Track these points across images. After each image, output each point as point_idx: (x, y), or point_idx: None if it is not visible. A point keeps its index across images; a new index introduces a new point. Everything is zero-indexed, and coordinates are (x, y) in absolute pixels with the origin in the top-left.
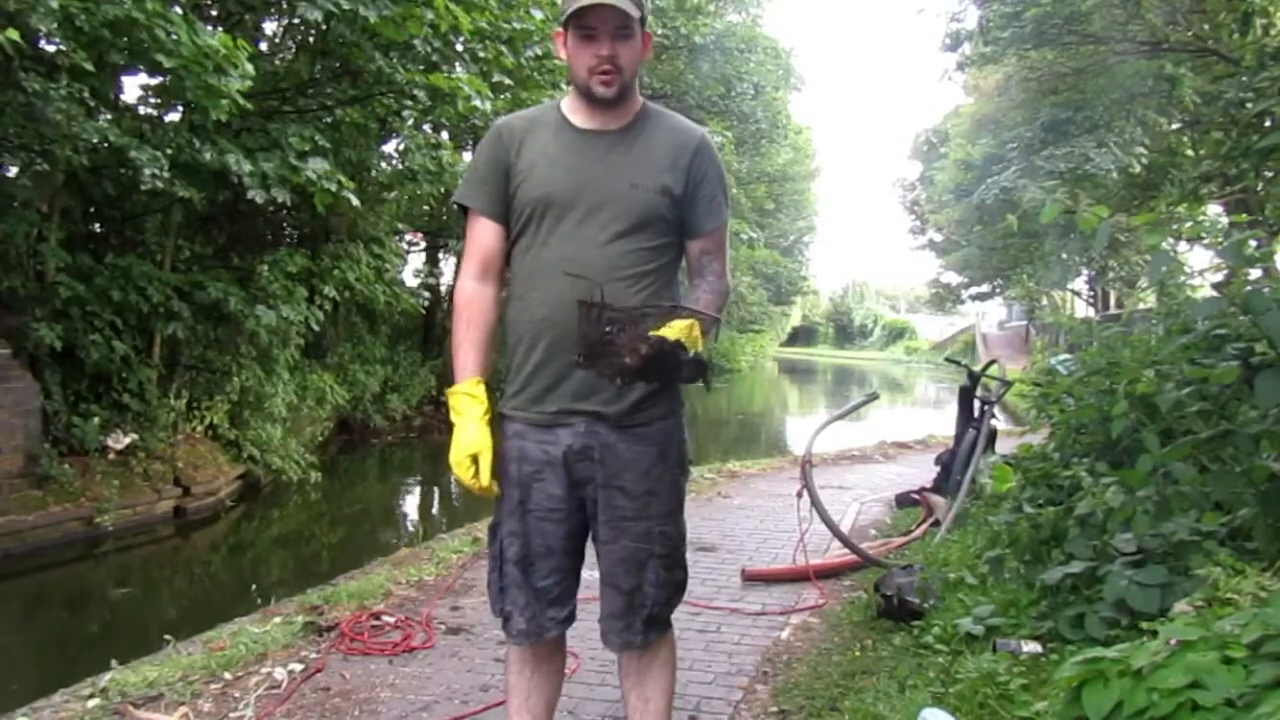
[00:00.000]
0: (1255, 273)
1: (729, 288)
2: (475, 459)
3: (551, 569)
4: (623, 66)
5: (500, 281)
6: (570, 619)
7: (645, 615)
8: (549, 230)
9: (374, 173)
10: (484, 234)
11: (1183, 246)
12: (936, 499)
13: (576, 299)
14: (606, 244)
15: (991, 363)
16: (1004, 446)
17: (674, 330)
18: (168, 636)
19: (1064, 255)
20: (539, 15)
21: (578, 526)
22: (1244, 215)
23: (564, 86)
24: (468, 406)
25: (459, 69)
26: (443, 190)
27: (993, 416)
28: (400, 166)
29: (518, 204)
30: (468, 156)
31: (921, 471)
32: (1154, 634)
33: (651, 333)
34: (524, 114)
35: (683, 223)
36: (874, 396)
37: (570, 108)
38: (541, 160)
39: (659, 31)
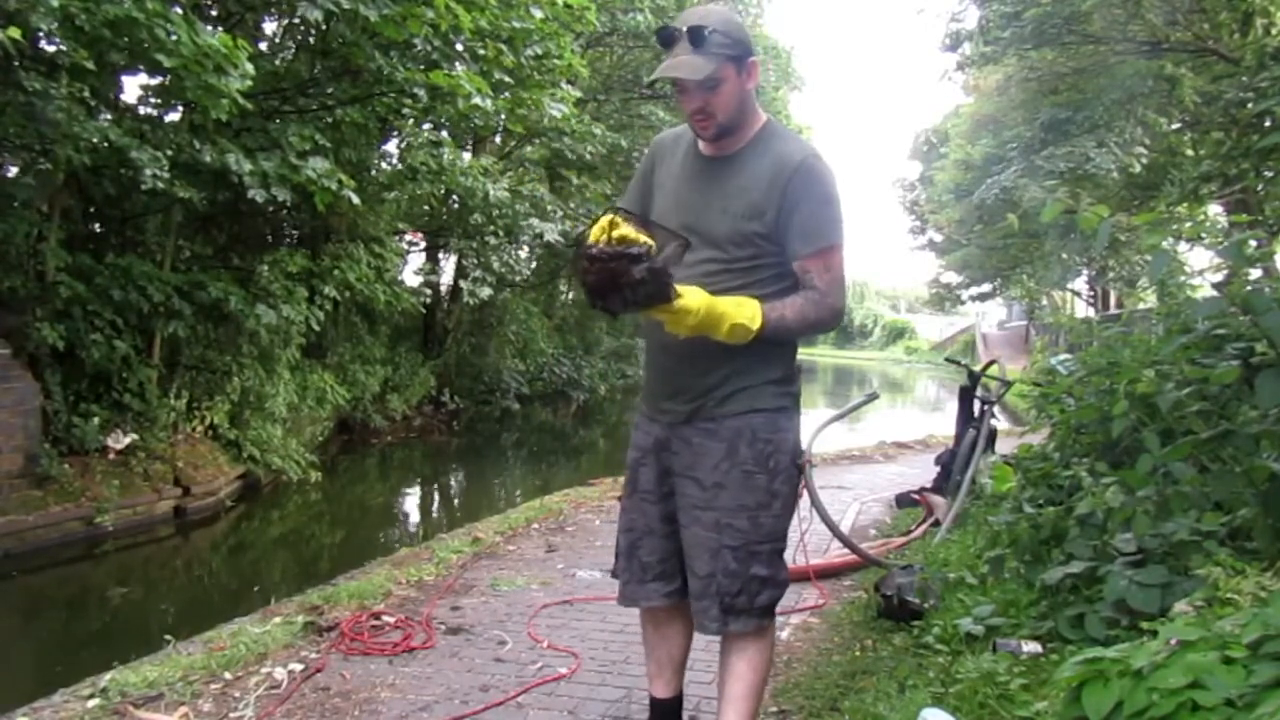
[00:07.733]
0: (1255, 273)
1: (829, 306)
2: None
3: (654, 547)
4: (715, 112)
5: None
6: (676, 594)
7: (721, 603)
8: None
9: (374, 172)
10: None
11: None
12: (936, 499)
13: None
14: (692, 260)
15: (991, 363)
16: (1004, 446)
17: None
18: (168, 636)
19: (1064, 255)
20: (539, 14)
21: (675, 510)
22: (1244, 215)
23: (563, 86)
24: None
25: (459, 68)
26: (443, 189)
27: (993, 416)
28: (400, 166)
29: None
30: (468, 156)
31: (921, 471)
32: (1154, 634)
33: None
34: (676, 130)
35: (782, 244)
36: (874, 396)
37: None
38: (668, 181)
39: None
